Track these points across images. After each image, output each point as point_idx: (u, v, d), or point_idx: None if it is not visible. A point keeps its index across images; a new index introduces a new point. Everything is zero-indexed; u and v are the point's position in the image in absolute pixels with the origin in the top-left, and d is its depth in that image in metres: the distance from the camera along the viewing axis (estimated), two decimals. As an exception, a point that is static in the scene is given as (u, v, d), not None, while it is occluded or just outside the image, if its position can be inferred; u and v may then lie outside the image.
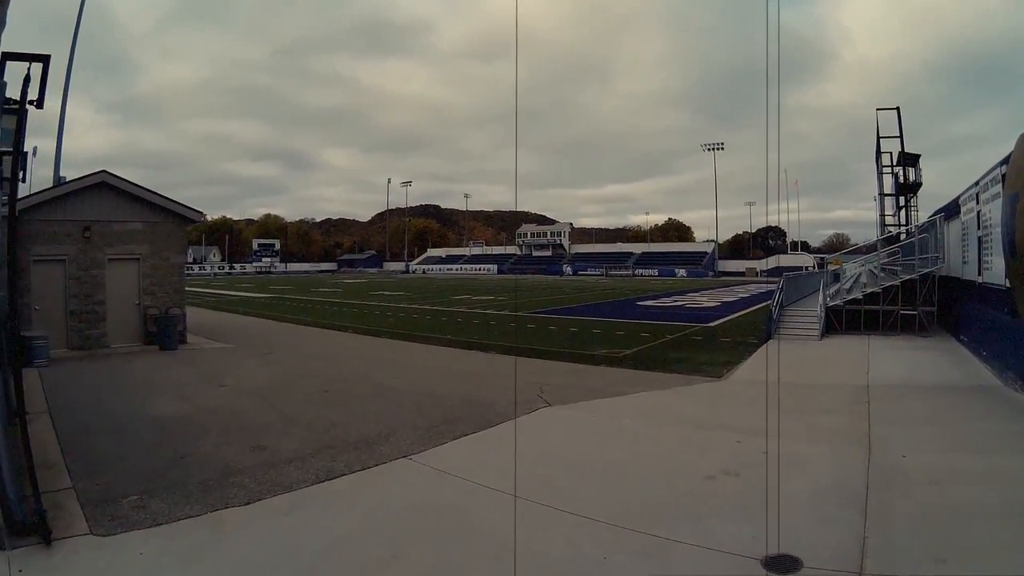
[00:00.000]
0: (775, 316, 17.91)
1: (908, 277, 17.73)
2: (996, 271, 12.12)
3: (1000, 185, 11.49)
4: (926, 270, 17.33)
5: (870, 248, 26.08)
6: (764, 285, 51.45)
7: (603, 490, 6.09)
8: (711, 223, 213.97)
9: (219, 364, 13.97)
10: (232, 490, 6.07)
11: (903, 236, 26.01)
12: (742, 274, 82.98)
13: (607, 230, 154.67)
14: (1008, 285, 11.01)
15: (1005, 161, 11.15)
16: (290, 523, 5.41)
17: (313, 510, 5.70)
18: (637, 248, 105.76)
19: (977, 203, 13.68)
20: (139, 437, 8.04)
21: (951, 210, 17.44)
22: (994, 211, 12.06)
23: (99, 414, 9.27)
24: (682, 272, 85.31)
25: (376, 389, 11.13)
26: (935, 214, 19.68)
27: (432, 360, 14.88)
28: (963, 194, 15.53)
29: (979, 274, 13.65)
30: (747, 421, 8.67)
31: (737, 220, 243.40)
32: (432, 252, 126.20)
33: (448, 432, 8.15)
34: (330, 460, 7.00)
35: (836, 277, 26.37)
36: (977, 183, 13.60)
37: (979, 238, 13.57)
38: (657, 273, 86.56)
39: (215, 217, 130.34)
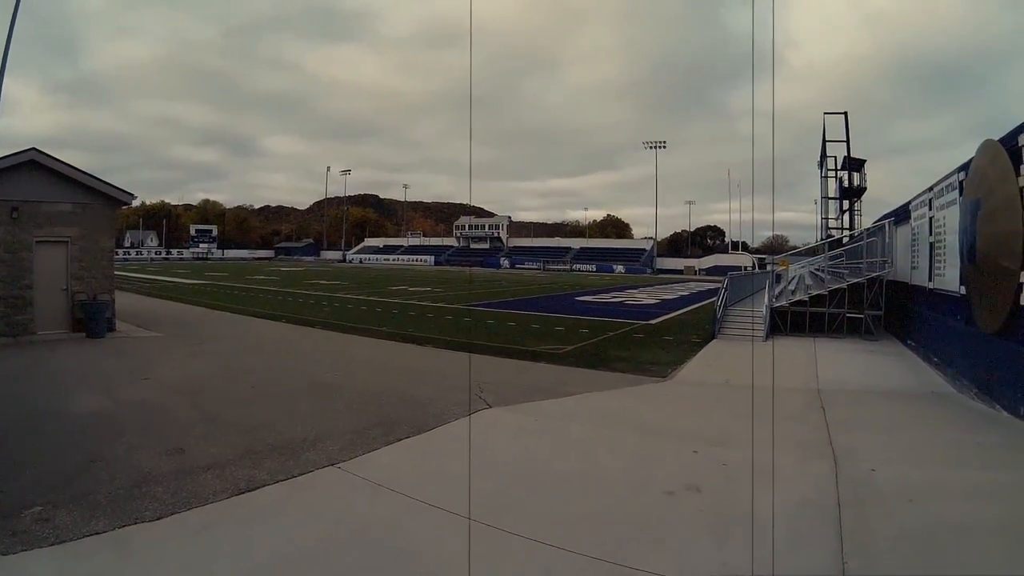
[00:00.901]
0: (719, 315, 17.80)
1: (855, 280, 17.86)
2: (948, 278, 12.23)
3: (956, 192, 11.56)
4: (874, 274, 17.50)
5: (812, 251, 26.42)
6: (703, 283, 52.40)
7: (554, 508, 5.55)
8: (650, 220, 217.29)
9: (146, 354, 13.33)
10: (143, 502, 5.47)
11: (846, 239, 26.43)
12: (680, 272, 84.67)
13: (546, 224, 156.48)
14: (963, 292, 11.07)
15: (963, 168, 11.22)
16: (203, 544, 4.78)
17: (229, 528, 5.06)
18: (576, 243, 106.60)
19: (930, 209, 13.81)
20: (52, 436, 7.40)
21: (901, 215, 17.66)
22: (948, 217, 12.15)
23: (14, 410, 8.57)
24: (620, 268, 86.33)
25: (307, 385, 10.56)
26: (883, 218, 19.98)
27: (367, 353, 14.46)
28: (915, 199, 15.71)
29: (930, 280, 13.80)
30: (700, 427, 8.48)
31: (676, 219, 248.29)
32: (370, 242, 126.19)
33: (381, 436, 7.54)
34: (252, 467, 6.37)
35: (777, 278, 26.72)
36: (931, 189, 13.72)
37: (931, 244, 13.68)
38: (595, 269, 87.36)
39: (154, 201, 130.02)
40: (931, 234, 13.71)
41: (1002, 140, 9.42)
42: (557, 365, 13.02)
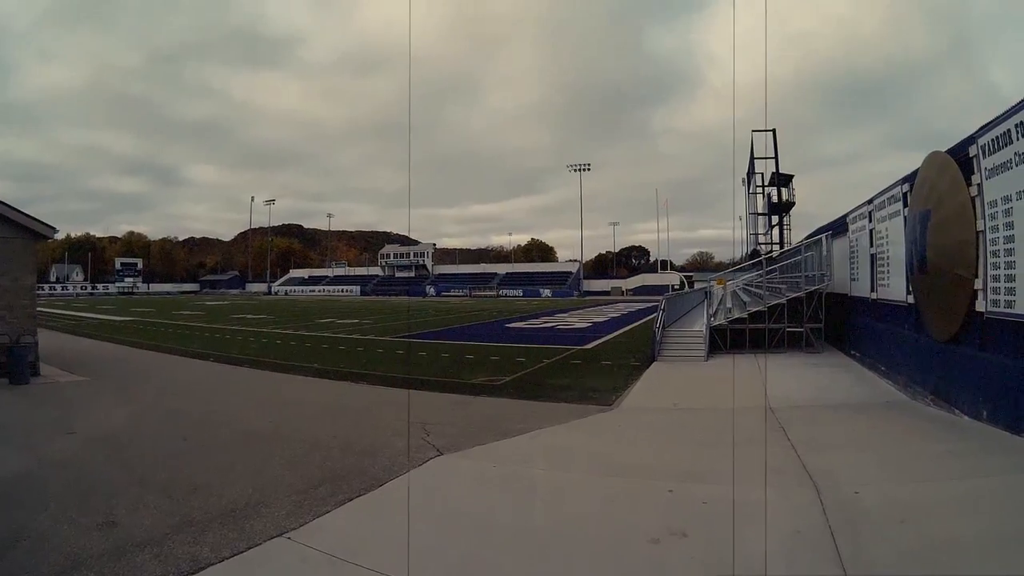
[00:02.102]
0: (658, 337, 17.66)
1: (795, 295, 18.07)
2: (893, 287, 12.46)
3: (900, 203, 11.76)
4: (813, 287, 17.74)
5: (751, 266, 26.88)
6: (632, 304, 53.13)
7: (537, 572, 5.00)
8: (574, 242, 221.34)
9: (71, 403, 12.62)
10: (77, 596, 4.72)
11: (773, 252, 26.94)
12: (607, 293, 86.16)
13: (470, 251, 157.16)
14: (911, 301, 11.22)
15: (906, 180, 11.44)
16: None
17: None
18: (501, 268, 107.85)
19: (870, 221, 14.10)
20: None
21: (838, 227, 18.02)
22: (892, 229, 12.40)
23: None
24: (547, 292, 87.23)
25: (242, 435, 9.80)
26: (818, 231, 20.37)
27: (300, 394, 13.86)
28: (852, 212, 16.06)
29: (872, 290, 14.08)
30: (666, 461, 8.13)
31: (600, 240, 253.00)
32: (295, 273, 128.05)
33: (330, 496, 6.79)
34: (193, 542, 5.59)
35: (706, 295, 27.06)
36: (871, 201, 14.08)
37: (872, 255, 13.93)
38: (522, 293, 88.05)
39: (79, 234, 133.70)
40: (872, 245, 14.10)
41: (951, 151, 9.72)
42: (498, 398, 12.68)
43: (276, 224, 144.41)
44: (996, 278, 8.31)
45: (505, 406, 11.92)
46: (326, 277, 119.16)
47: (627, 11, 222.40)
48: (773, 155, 29.51)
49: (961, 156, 9.24)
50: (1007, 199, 7.93)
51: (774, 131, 29.77)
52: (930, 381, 10.57)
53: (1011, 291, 7.98)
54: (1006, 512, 5.73)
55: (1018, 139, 7.54)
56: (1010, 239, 7.93)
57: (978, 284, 8.76)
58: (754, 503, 6.06)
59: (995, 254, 8.30)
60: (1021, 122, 7.44)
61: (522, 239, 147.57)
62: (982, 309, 8.70)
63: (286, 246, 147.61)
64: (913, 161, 10.88)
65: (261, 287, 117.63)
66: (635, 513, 6.23)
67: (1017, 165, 7.63)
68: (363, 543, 5.66)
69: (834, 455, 7.94)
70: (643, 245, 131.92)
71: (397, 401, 12.64)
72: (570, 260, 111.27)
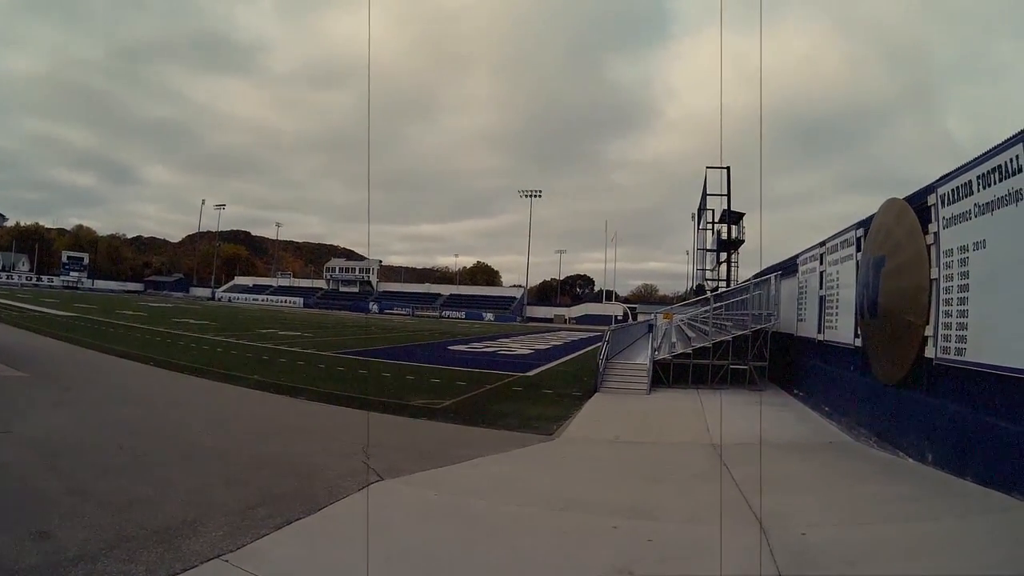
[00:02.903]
0: (602, 368, 17.56)
1: (741, 332, 18.18)
2: (841, 330, 12.64)
3: (853, 248, 11.92)
4: (759, 326, 17.89)
5: (698, 302, 27.15)
6: (574, 333, 53.24)
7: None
8: (520, 267, 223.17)
9: (8, 400, 12.16)
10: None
11: (720, 289, 27.28)
12: (550, 320, 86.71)
13: (415, 269, 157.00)
14: (858, 344, 11.35)
15: (861, 224, 11.64)
16: None
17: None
18: (445, 290, 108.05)
19: (821, 263, 14.34)
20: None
21: (787, 268, 18.28)
22: (843, 272, 12.56)
23: None
24: (490, 316, 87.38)
25: (180, 447, 9.41)
26: (767, 271, 20.63)
27: (240, 406, 13.73)
28: (803, 253, 16.31)
29: (819, 332, 14.28)
30: (610, 496, 7.89)
31: (546, 267, 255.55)
32: (239, 280, 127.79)
33: (268, 517, 6.45)
34: (127, 560, 5.36)
35: (649, 328, 27.26)
36: (823, 244, 14.33)
37: (821, 297, 14.15)
38: (465, 316, 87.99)
39: (28, 223, 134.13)
40: (822, 287, 14.38)
41: (909, 198, 9.94)
42: (439, 422, 12.48)
43: (225, 229, 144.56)
44: (948, 326, 8.46)
45: (446, 431, 11.82)
46: (271, 287, 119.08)
47: (588, 42, 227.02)
48: (726, 192, 30.02)
49: (919, 204, 9.45)
50: (963, 249, 8.10)
51: (728, 169, 30.36)
52: (875, 423, 10.72)
53: (962, 339, 8.12)
54: (953, 556, 5.72)
55: (980, 191, 7.70)
56: (964, 288, 8.09)
57: (929, 331, 8.91)
58: (700, 542, 5.96)
59: (948, 302, 8.45)
60: (983, 174, 7.60)
61: (468, 261, 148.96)
62: (931, 355, 8.84)
63: (233, 252, 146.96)
64: (864, 204, 11.11)
65: (205, 292, 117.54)
66: (580, 550, 6.01)
67: (977, 216, 7.79)
68: (301, 569, 5.46)
69: (780, 495, 7.77)
70: (588, 274, 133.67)
71: (337, 419, 12.39)
72: (515, 285, 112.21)
